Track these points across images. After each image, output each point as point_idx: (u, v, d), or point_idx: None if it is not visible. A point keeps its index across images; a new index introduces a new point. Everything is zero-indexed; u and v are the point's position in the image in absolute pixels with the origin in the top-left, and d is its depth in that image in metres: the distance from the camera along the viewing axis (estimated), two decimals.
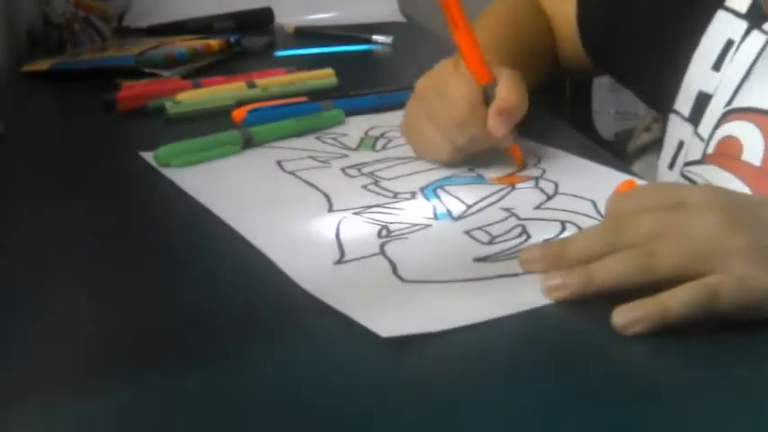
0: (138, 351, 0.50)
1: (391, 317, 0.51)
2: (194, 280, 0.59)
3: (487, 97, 0.73)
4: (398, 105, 0.84)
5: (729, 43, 0.77)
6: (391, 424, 0.44)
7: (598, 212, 0.65)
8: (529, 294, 0.54)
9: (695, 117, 0.78)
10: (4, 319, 0.54)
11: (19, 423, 0.45)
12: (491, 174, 0.74)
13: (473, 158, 0.75)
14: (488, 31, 0.91)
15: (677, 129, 0.81)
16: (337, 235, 0.63)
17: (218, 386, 0.46)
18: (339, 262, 0.59)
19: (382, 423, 0.44)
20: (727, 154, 0.73)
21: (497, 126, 0.72)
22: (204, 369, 0.48)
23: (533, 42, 0.94)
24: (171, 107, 0.92)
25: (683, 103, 0.80)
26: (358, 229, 0.64)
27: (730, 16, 0.78)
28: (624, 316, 0.49)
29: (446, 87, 0.74)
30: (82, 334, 0.53)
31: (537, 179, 0.73)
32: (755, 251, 0.50)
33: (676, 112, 0.81)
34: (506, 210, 0.67)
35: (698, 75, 0.79)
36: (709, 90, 0.77)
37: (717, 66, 0.77)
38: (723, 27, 0.78)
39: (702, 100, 0.78)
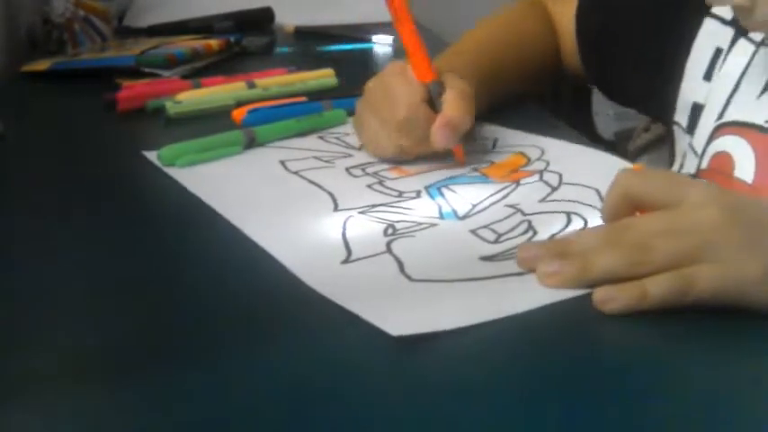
0: (140, 350, 0.50)
1: (401, 316, 0.51)
2: (199, 279, 0.58)
3: (431, 96, 0.74)
4: None
5: (718, 51, 0.77)
6: (395, 423, 0.43)
7: (602, 201, 0.65)
8: (537, 292, 0.53)
9: (692, 128, 0.79)
10: (4, 318, 0.54)
11: (18, 423, 0.44)
12: (495, 172, 0.74)
13: (423, 156, 0.76)
14: (478, 32, 0.92)
15: (680, 140, 0.81)
16: (343, 234, 0.63)
17: (221, 386, 0.46)
18: (346, 261, 0.59)
19: (386, 422, 0.43)
20: (720, 170, 0.73)
21: (440, 139, 0.73)
22: (208, 369, 0.48)
23: (526, 50, 0.94)
24: (171, 107, 0.92)
25: (681, 114, 0.81)
26: (364, 228, 0.64)
27: (717, 23, 0.78)
28: (603, 291, 0.51)
29: (391, 90, 0.75)
30: (84, 333, 0.53)
31: (541, 172, 0.73)
32: (743, 245, 0.51)
33: (677, 124, 0.81)
34: (511, 206, 0.67)
35: (691, 85, 0.79)
36: (701, 101, 0.78)
37: (708, 75, 0.77)
38: (711, 35, 0.78)
39: (696, 111, 0.78)
